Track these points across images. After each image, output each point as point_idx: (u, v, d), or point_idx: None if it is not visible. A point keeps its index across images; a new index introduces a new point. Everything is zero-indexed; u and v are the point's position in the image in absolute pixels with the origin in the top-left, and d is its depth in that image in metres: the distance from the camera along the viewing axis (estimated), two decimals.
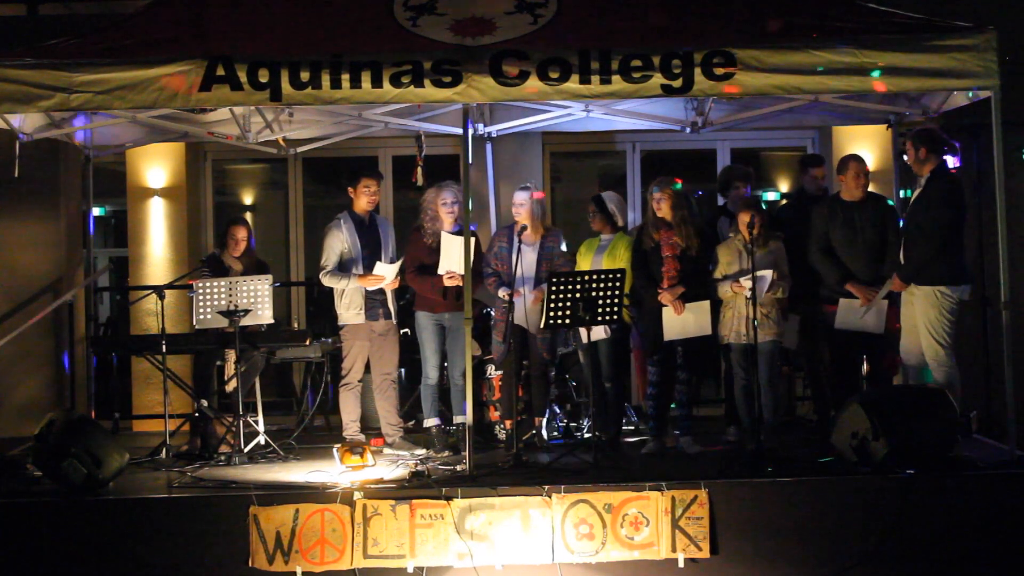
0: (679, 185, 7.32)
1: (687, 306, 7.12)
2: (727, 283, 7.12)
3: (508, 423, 7.50)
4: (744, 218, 7.06)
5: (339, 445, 7.09)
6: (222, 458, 7.35)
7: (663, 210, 7.25)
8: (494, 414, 7.90)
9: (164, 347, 7.54)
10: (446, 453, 7.48)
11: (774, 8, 6.84)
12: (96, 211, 9.40)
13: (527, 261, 7.46)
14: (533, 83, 6.43)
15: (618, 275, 6.89)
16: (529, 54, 6.44)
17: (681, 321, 7.14)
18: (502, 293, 7.44)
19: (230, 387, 7.78)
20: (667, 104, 8.38)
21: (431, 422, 7.74)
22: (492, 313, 7.87)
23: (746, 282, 6.95)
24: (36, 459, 6.57)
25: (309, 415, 8.73)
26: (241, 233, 8.00)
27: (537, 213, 7.55)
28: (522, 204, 7.50)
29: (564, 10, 6.87)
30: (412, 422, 8.24)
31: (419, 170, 8.53)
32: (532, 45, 6.54)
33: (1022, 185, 8.77)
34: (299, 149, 9.15)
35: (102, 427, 7.05)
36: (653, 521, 6.11)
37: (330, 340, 8.36)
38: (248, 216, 11.24)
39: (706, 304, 7.12)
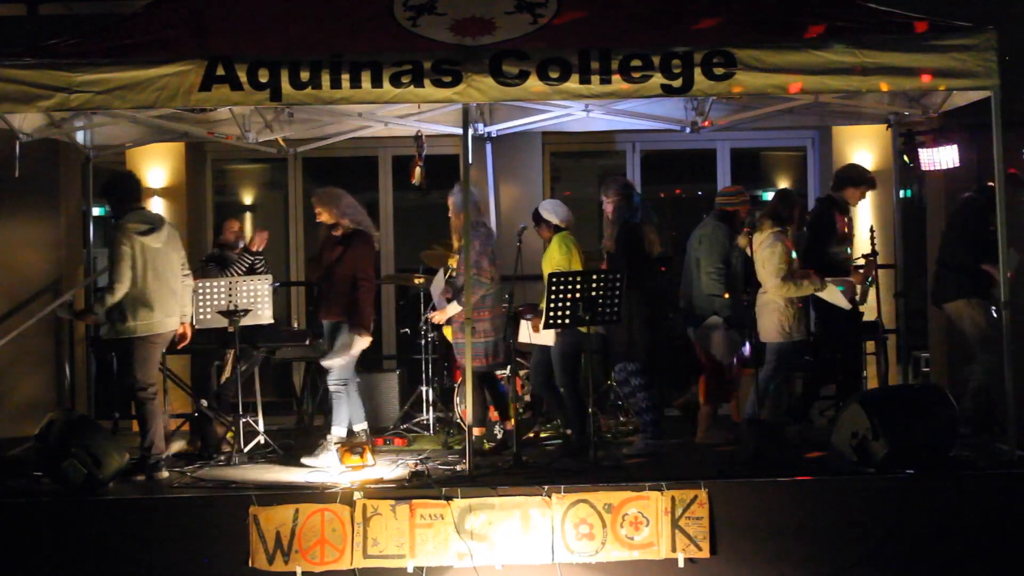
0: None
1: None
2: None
3: (509, 424, 7.49)
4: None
5: (339, 445, 7.10)
6: (222, 458, 7.35)
7: None
8: (494, 414, 7.90)
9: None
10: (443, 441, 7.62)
11: (775, 8, 6.84)
12: (96, 211, 9.39)
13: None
14: (533, 83, 6.42)
15: (617, 275, 6.88)
16: (529, 54, 6.44)
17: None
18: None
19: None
20: (667, 104, 8.38)
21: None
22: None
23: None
24: (36, 459, 6.57)
25: (308, 414, 8.73)
26: (234, 225, 8.36)
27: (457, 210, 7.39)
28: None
29: (564, 10, 6.87)
30: (413, 421, 8.26)
31: (417, 170, 8.52)
32: (532, 45, 6.53)
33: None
34: (299, 149, 9.16)
35: (102, 427, 7.04)
36: (653, 521, 6.11)
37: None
38: (248, 216, 11.25)
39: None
